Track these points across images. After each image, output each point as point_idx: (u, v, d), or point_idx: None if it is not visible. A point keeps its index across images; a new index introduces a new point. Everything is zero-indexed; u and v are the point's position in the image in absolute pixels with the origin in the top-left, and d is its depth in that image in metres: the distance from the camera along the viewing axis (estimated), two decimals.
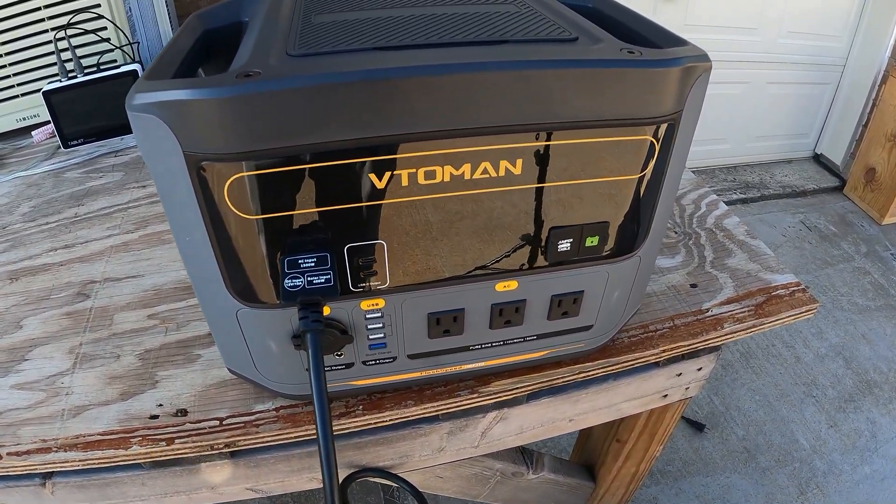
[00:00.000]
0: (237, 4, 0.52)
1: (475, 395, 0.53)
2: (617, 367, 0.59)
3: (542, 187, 0.40)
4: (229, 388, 0.54)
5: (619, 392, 0.67)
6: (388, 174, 0.36)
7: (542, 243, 0.44)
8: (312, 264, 0.38)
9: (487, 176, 0.38)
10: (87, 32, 0.87)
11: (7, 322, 0.64)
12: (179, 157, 0.35)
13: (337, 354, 0.46)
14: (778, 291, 0.67)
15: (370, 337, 0.45)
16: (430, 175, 0.37)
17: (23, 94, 0.93)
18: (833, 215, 2.28)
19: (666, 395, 0.73)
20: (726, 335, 0.64)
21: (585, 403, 0.65)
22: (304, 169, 0.35)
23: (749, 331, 0.65)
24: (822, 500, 1.34)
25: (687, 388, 0.74)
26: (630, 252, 0.48)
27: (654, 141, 0.41)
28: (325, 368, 0.46)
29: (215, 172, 0.35)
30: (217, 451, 0.52)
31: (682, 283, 0.68)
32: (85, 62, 0.89)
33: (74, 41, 0.88)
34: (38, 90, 0.92)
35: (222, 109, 0.33)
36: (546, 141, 0.38)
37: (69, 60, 0.86)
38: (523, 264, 0.44)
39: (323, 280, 0.37)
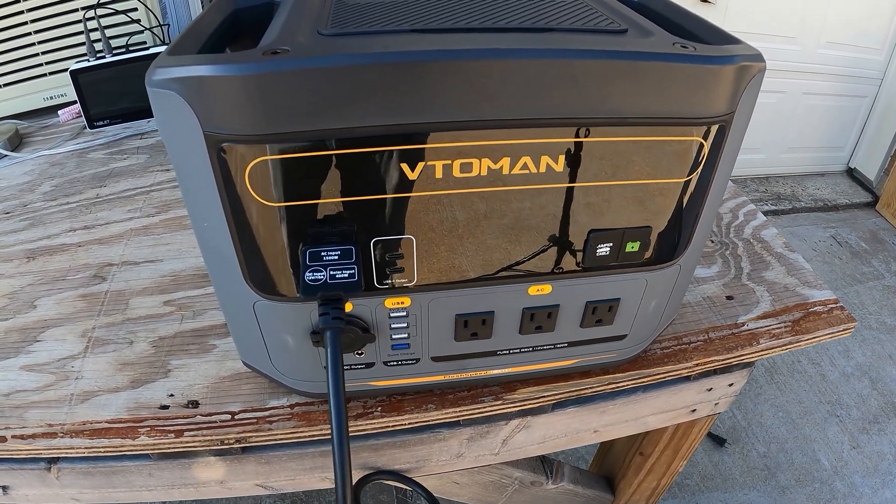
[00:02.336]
0: None
1: (499, 402, 0.50)
2: (648, 379, 0.55)
3: (584, 187, 0.37)
4: (244, 382, 0.52)
5: (646, 405, 0.63)
6: (421, 165, 0.33)
7: (581, 246, 0.40)
8: (336, 257, 0.35)
9: (527, 172, 0.35)
10: (117, 13, 0.86)
11: (21, 301, 0.62)
12: (199, 138, 0.32)
13: (357, 353, 0.43)
14: (816, 308, 0.63)
15: (393, 337, 0.42)
16: (465, 168, 0.34)
17: (51, 73, 0.92)
18: (865, 231, 2.20)
19: (694, 410, 0.69)
20: (762, 351, 0.60)
21: (612, 415, 0.62)
22: (332, 155, 0.32)
23: (785, 347, 0.61)
24: None
25: (716, 404, 0.70)
26: (671, 260, 0.45)
27: (703, 143, 0.38)
28: (344, 367, 0.44)
29: (236, 155, 0.32)
30: (227, 447, 0.50)
31: (718, 294, 0.64)
32: (114, 43, 0.87)
33: (105, 21, 0.86)
34: (66, 69, 0.91)
35: (247, 87, 0.30)
36: (590, 137, 0.35)
37: (98, 41, 0.85)
38: (559, 268, 0.41)
39: (346, 275, 0.34)
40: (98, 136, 0.88)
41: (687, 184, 0.40)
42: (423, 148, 0.32)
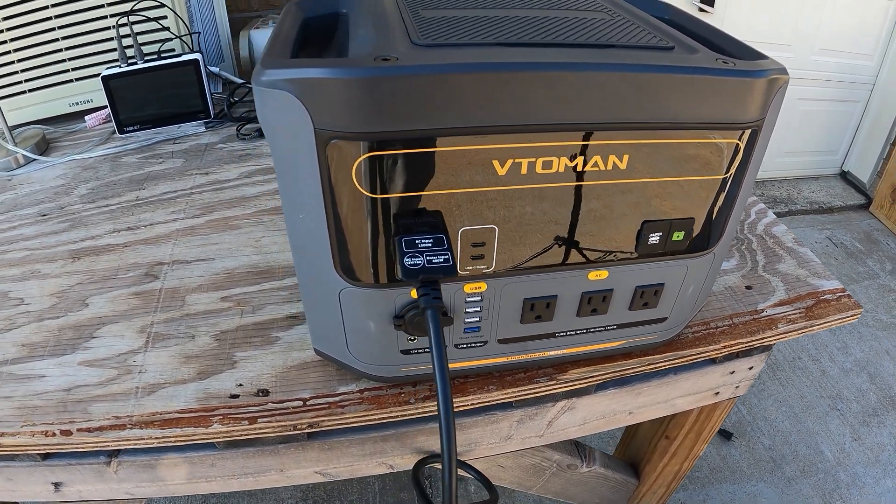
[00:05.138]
0: None
1: (553, 382, 0.55)
2: (683, 360, 0.61)
3: (642, 182, 0.43)
4: (311, 371, 0.56)
5: (677, 387, 0.69)
6: (510, 162, 0.39)
7: (635, 236, 0.47)
8: (429, 244, 0.40)
9: (597, 169, 0.41)
10: (149, 20, 0.90)
11: (72, 300, 0.65)
12: (309, 134, 0.37)
13: None
14: (825, 296, 0.70)
15: (467, 321, 0.48)
16: (547, 165, 0.40)
17: (77, 79, 0.96)
18: (859, 233, 2.32)
19: (717, 393, 0.76)
20: (780, 335, 0.66)
21: (646, 397, 0.68)
22: (433, 152, 0.38)
23: (801, 331, 0.68)
24: None
25: (737, 387, 0.77)
26: (708, 248, 0.51)
27: (739, 144, 0.44)
28: (419, 350, 0.49)
29: (345, 150, 0.37)
30: (299, 432, 0.54)
31: (738, 284, 0.71)
32: (143, 50, 0.92)
33: (135, 28, 0.91)
34: (93, 75, 0.95)
35: (362, 89, 0.35)
36: (649, 139, 0.41)
37: (129, 47, 0.89)
38: (616, 255, 0.47)
39: (441, 260, 0.40)
40: (129, 141, 0.93)
41: (725, 180, 0.46)
42: (513, 147, 0.38)
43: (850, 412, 1.61)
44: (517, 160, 0.39)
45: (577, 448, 0.81)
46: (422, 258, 0.40)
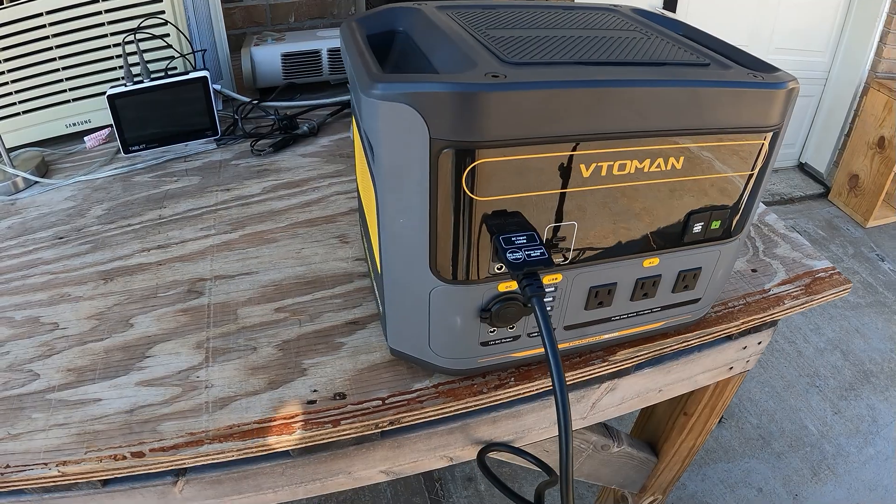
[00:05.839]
0: (388, 15, 0.63)
1: (606, 364, 0.64)
2: (710, 336, 0.71)
3: (693, 179, 0.53)
4: (382, 371, 0.62)
5: (699, 364, 0.79)
6: (593, 165, 0.47)
7: (683, 225, 0.56)
8: (524, 241, 0.48)
9: (659, 169, 0.50)
10: (154, 38, 0.94)
11: (113, 321, 0.68)
12: (424, 143, 0.44)
13: (510, 328, 0.56)
14: (819, 274, 0.82)
15: None
16: (622, 167, 0.49)
17: (74, 100, 0.98)
18: (820, 220, 2.56)
19: (731, 368, 0.86)
20: (787, 310, 0.78)
21: (674, 374, 0.78)
22: (534, 158, 0.45)
23: (803, 306, 0.80)
24: (833, 480, 1.53)
25: (747, 361, 0.88)
26: (736, 235, 0.61)
27: (764, 144, 0.54)
28: (497, 341, 0.57)
29: (456, 158, 0.44)
30: (380, 430, 0.59)
31: (745, 268, 0.82)
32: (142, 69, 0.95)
33: (133, 48, 0.94)
34: (91, 95, 0.98)
35: (480, 103, 0.42)
36: (699, 143, 0.51)
37: (135, 65, 0.93)
38: (667, 243, 0.56)
39: (538, 253, 0.48)
40: (136, 161, 0.96)
41: (751, 175, 0.56)
42: (597, 153, 0.47)
43: (828, 388, 1.79)
44: (599, 164, 0.48)
45: (607, 429, 0.91)
46: (521, 253, 0.48)
